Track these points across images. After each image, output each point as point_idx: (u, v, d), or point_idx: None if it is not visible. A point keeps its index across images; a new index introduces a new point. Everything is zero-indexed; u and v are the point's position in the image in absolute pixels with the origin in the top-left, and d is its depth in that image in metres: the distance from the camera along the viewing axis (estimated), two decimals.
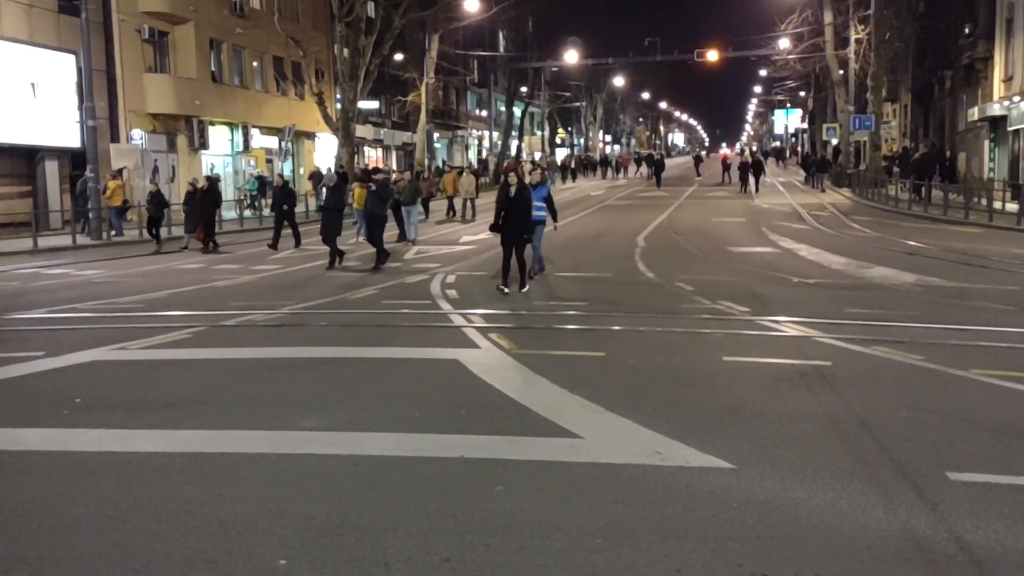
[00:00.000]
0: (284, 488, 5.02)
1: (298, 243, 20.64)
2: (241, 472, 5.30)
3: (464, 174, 31.10)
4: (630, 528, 4.38)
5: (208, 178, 23.24)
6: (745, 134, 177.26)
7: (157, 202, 22.08)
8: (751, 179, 40.69)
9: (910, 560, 4.00)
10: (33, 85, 27.01)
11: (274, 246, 20.30)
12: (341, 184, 17.79)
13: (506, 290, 12.19)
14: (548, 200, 14.17)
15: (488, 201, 33.97)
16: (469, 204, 29.28)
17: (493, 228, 12.68)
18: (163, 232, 22.19)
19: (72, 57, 27.61)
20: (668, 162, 68.12)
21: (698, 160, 65.24)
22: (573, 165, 62.91)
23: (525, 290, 12.34)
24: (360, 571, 3.99)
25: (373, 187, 16.63)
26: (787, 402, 6.66)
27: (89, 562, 4.13)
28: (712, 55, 53.38)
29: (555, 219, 14.44)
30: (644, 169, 61.55)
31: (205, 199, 20.95)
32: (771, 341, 9.09)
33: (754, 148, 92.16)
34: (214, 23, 35.42)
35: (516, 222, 12.28)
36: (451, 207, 30.13)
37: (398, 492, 4.91)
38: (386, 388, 7.34)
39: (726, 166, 50.97)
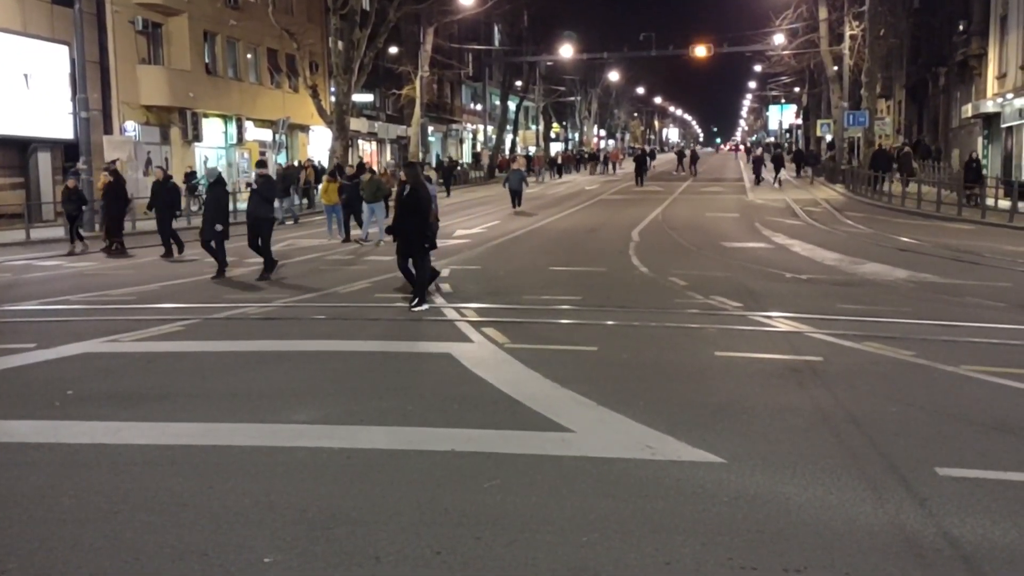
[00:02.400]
0: (275, 481, 5.02)
1: (168, 253, 17.31)
2: (232, 465, 5.30)
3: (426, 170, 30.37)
4: (620, 522, 4.40)
5: (110, 171, 19.77)
6: (739, 130, 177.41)
7: (75, 199, 19.59)
8: (774, 172, 42.55)
9: (898, 555, 4.02)
10: (26, 76, 26.90)
11: (168, 254, 17.31)
12: (222, 181, 15.01)
13: (422, 307, 10.61)
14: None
15: (472, 197, 33.63)
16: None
17: (389, 230, 11.28)
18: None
19: (65, 48, 27.50)
20: (662, 157, 66.56)
21: (680, 155, 62.61)
22: (560, 161, 62.08)
23: (417, 308, 10.54)
24: (351, 563, 4.00)
25: (255, 186, 14.39)
26: (778, 397, 6.68)
27: (80, 554, 4.14)
28: (707, 50, 53.43)
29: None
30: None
31: (107, 194, 18.78)
32: (763, 336, 9.12)
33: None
34: (208, 15, 35.30)
35: (410, 225, 10.74)
36: None
37: (390, 485, 4.92)
38: (379, 382, 7.35)
39: (757, 162, 47.18)
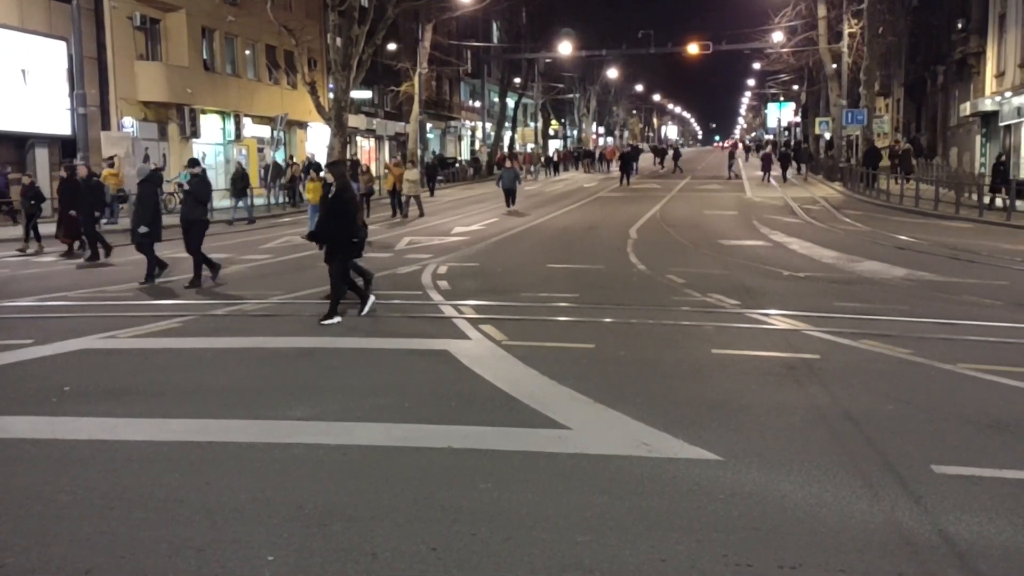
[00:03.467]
0: (272, 477, 5.03)
1: (95, 256, 16.33)
2: (229, 461, 5.31)
3: (408, 167, 27.68)
4: (616, 519, 4.40)
5: (67, 167, 18.47)
6: (738, 127, 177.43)
7: (32, 196, 18.88)
8: (781, 170, 43.97)
9: (894, 552, 4.03)
10: (23, 72, 26.86)
11: (94, 256, 16.34)
12: (156, 178, 13.74)
13: (331, 320, 9.59)
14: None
15: (471, 195, 33.55)
16: (413, 202, 26.19)
17: (311, 236, 10.24)
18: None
19: (63, 44, 27.46)
20: (646, 156, 65.08)
21: (662, 153, 61.70)
22: (556, 159, 61.48)
23: (327, 321, 9.55)
24: (347, 560, 4.00)
25: (186, 186, 13.41)
26: (775, 395, 6.69)
27: (76, 549, 4.14)
28: (705, 48, 53.38)
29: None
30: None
31: (62, 193, 17.59)
32: (760, 334, 9.12)
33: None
34: (206, 11, 35.26)
35: (337, 230, 9.78)
36: (395, 206, 26.40)
37: (386, 482, 4.93)
38: (376, 378, 7.35)
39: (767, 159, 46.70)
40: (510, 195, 28.20)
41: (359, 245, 10.22)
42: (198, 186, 13.24)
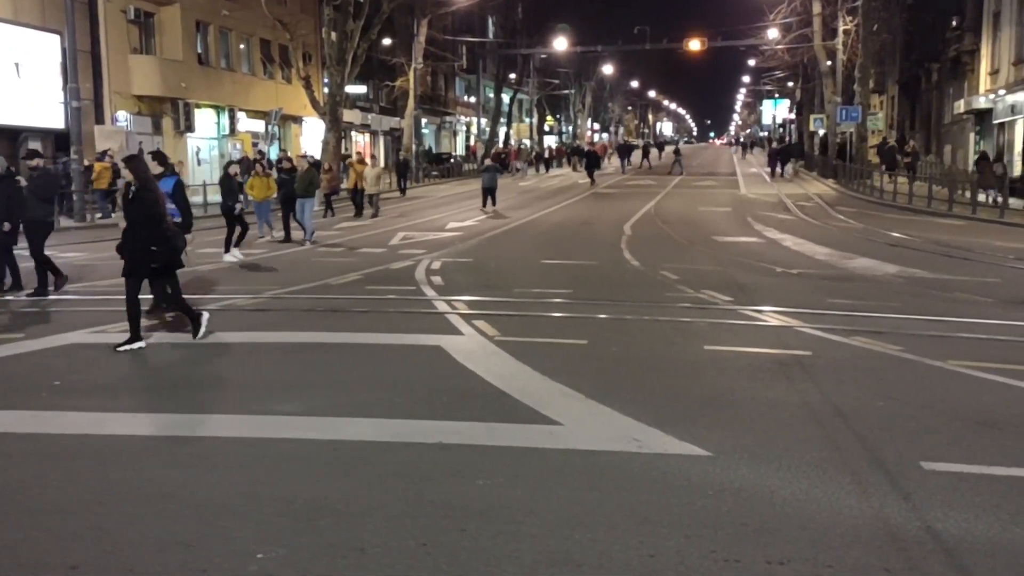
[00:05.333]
0: (261, 472, 5.02)
1: None
2: (218, 456, 5.30)
3: (369, 164, 26.42)
4: (606, 514, 4.40)
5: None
6: (733, 124, 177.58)
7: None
8: (781, 166, 45.07)
9: (881, 548, 4.04)
10: (17, 65, 26.75)
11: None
12: (10, 175, 11.51)
13: (131, 347, 8.06)
14: (176, 196, 10.08)
15: (465, 190, 33.17)
16: (374, 201, 25.15)
17: (119, 249, 8.39)
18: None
19: (56, 37, 27.32)
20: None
21: (646, 150, 60.00)
22: (548, 156, 60.26)
23: (124, 348, 8.06)
24: (336, 555, 3.99)
25: (25, 182, 11.74)
26: (766, 391, 6.70)
27: (63, 544, 4.12)
28: (701, 44, 53.38)
29: (187, 226, 9.98)
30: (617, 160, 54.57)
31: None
32: (753, 330, 9.13)
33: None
34: (200, 5, 35.14)
35: (138, 237, 8.14)
36: (358, 205, 25.48)
37: (376, 477, 4.92)
38: (367, 374, 7.34)
39: (773, 156, 47.79)
40: (490, 194, 26.21)
41: (166, 256, 8.28)
42: (40, 183, 11.76)
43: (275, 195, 18.32)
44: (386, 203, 29.33)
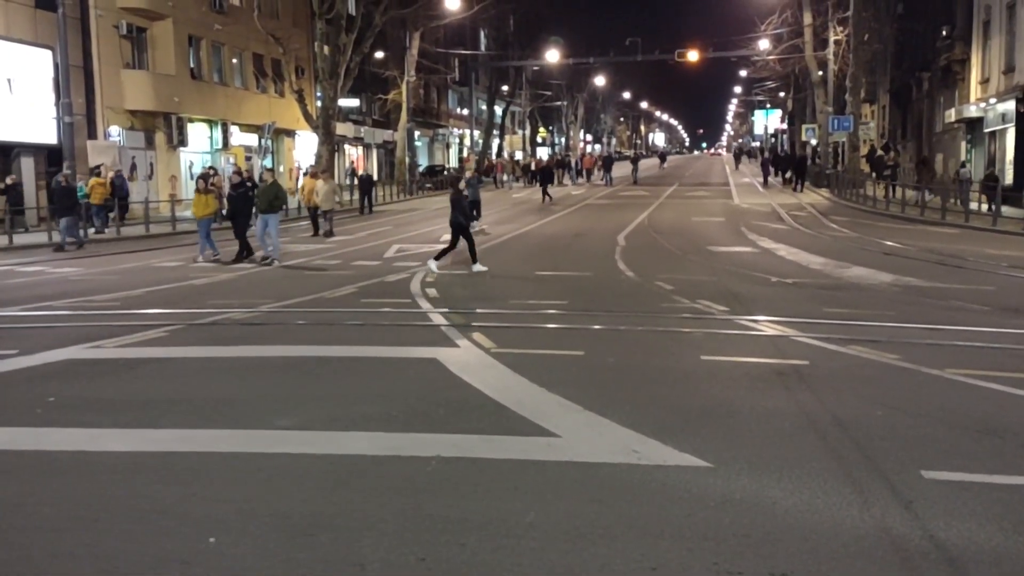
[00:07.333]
0: (258, 488, 4.97)
1: None
2: (214, 472, 5.25)
3: (321, 179, 24.17)
4: (606, 527, 4.37)
5: None
6: (725, 134, 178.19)
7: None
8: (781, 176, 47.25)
9: (884, 558, 4.01)
10: (9, 81, 26.74)
11: None
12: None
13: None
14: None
15: (444, 205, 33.45)
16: (328, 218, 23.51)
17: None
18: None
19: (49, 52, 27.35)
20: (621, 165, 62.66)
21: (635, 161, 58.93)
22: (535, 168, 59.53)
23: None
24: (334, 571, 3.95)
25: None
26: (764, 401, 6.67)
27: (59, 562, 4.07)
28: (692, 55, 53.66)
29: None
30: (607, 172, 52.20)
31: None
32: (749, 340, 9.12)
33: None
34: (193, 19, 35.18)
35: None
36: (314, 222, 23.62)
37: (373, 491, 4.88)
38: (364, 387, 7.30)
39: (766, 164, 49.96)
40: (474, 207, 22.91)
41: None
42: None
43: (212, 212, 18.29)
44: (355, 221, 29.21)
